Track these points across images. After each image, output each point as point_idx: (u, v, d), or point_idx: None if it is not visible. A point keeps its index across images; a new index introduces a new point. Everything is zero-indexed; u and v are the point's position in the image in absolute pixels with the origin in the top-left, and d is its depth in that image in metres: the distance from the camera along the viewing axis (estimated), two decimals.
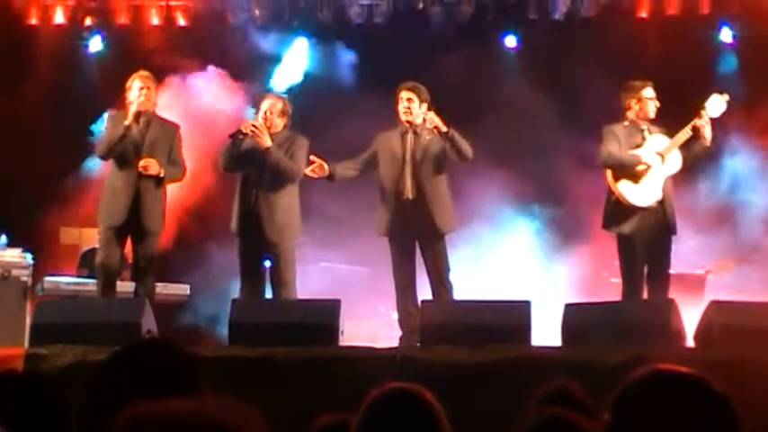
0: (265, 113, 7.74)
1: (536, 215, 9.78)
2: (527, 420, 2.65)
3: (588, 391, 3.32)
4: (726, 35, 10.41)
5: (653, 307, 7.04)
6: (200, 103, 9.72)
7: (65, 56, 10.79)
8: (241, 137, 7.64)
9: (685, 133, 7.38)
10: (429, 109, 7.69)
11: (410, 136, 7.78)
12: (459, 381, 5.89)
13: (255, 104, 8.28)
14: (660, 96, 7.52)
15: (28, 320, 7.66)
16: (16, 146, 10.03)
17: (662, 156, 7.42)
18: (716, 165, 9.23)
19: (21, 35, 10.78)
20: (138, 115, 7.57)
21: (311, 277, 8.81)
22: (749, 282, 8.38)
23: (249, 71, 10.19)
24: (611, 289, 8.19)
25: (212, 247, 8.97)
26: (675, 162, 7.44)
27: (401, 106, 7.76)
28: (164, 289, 8.59)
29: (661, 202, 7.42)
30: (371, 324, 8.81)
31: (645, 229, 7.38)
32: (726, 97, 7.44)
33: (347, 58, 10.63)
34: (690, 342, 6.50)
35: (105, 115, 7.99)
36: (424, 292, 7.69)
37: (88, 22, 10.95)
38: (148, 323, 6.59)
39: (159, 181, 7.59)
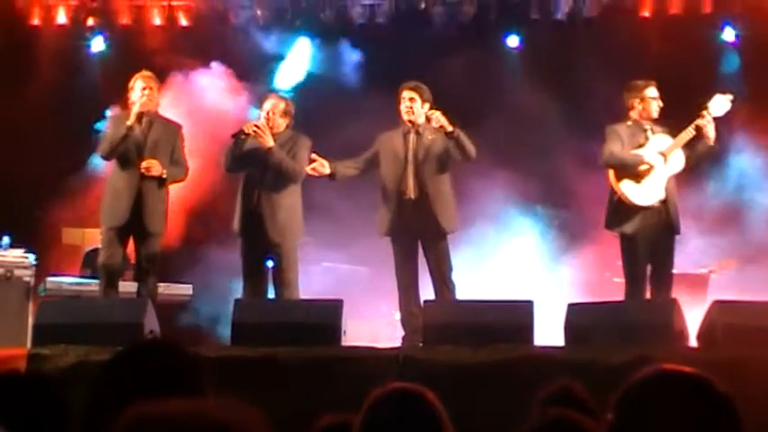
0: (268, 114, 7.74)
1: (539, 215, 9.78)
2: (530, 421, 2.65)
3: (591, 391, 3.32)
4: (728, 34, 10.41)
5: (656, 307, 7.04)
6: (203, 102, 9.72)
7: (67, 56, 10.80)
8: (243, 137, 7.64)
9: (688, 133, 7.37)
10: (431, 108, 7.68)
11: (412, 136, 7.77)
12: (462, 381, 5.89)
13: (259, 104, 8.29)
14: (663, 96, 7.52)
15: (30, 321, 7.68)
16: (19, 146, 10.04)
17: (664, 155, 7.41)
18: (720, 164, 9.22)
19: (23, 35, 10.80)
20: (140, 115, 7.58)
21: (313, 277, 8.81)
22: (753, 281, 8.36)
23: (251, 71, 10.19)
24: (614, 289, 8.18)
25: (214, 248, 8.97)
26: (678, 162, 7.43)
27: (403, 106, 7.75)
28: (166, 289, 8.59)
29: (664, 202, 7.41)
30: (374, 324, 8.81)
31: (647, 229, 7.37)
32: (729, 97, 7.43)
33: (349, 58, 10.63)
34: (693, 342, 6.49)
35: (108, 113, 7.98)
36: (426, 291, 7.69)
37: (90, 22, 10.96)
38: (151, 323, 6.59)
39: (161, 181, 7.60)
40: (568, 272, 9.25)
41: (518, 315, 6.63)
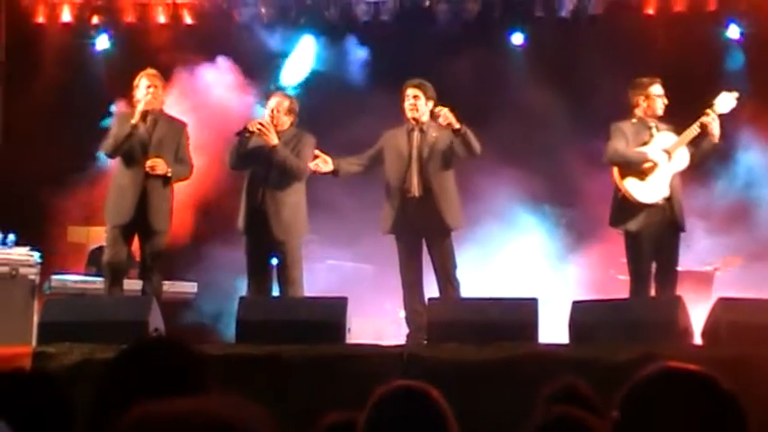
0: (272, 111, 7.75)
1: (545, 214, 9.76)
2: (535, 419, 2.65)
3: (595, 389, 3.32)
4: (733, 32, 10.38)
5: (660, 304, 7.03)
6: (208, 98, 9.72)
7: (72, 54, 10.80)
8: (248, 135, 7.64)
9: (693, 130, 7.36)
10: (435, 106, 7.68)
11: (416, 133, 7.77)
12: (466, 378, 5.89)
13: (264, 102, 8.30)
14: (668, 93, 7.51)
15: (35, 319, 7.68)
16: (23, 144, 10.05)
17: (669, 153, 7.40)
18: (726, 162, 9.20)
19: (28, 34, 10.79)
20: (144, 114, 7.58)
21: (318, 275, 8.82)
22: (758, 279, 8.35)
23: (256, 69, 10.19)
24: (618, 287, 8.18)
25: (219, 245, 8.98)
26: (683, 159, 7.42)
27: (407, 103, 7.75)
28: (171, 287, 8.60)
29: (668, 200, 7.41)
30: (378, 322, 8.82)
31: (652, 227, 7.37)
32: (735, 95, 7.43)
33: (354, 55, 10.63)
34: (697, 339, 6.49)
35: (113, 108, 7.98)
36: (430, 289, 7.69)
37: (95, 20, 10.96)
38: (155, 321, 6.60)
39: (166, 180, 7.60)
40: (575, 270, 9.24)
41: (522, 313, 6.62)
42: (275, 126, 7.66)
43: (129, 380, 2.24)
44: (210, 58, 10.01)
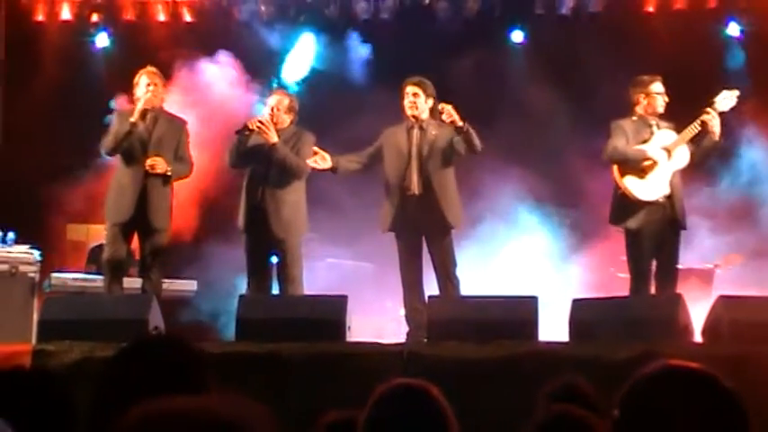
0: (272, 109, 7.75)
1: (548, 213, 9.74)
2: (535, 417, 2.65)
3: (596, 387, 3.32)
4: (733, 29, 10.38)
5: (660, 302, 7.02)
6: (209, 94, 9.70)
7: (71, 52, 10.80)
8: (247, 133, 7.64)
9: (694, 128, 7.36)
10: (435, 103, 7.67)
11: (416, 131, 7.76)
12: (467, 376, 5.88)
13: (264, 100, 8.29)
14: (668, 91, 7.51)
15: (35, 317, 7.68)
16: (23, 142, 10.05)
17: (668, 151, 7.40)
18: (726, 160, 9.19)
19: (27, 31, 10.79)
20: (144, 112, 7.58)
21: (318, 273, 8.81)
22: (758, 276, 8.35)
23: (256, 67, 10.18)
24: (619, 285, 8.17)
25: (219, 243, 8.97)
26: (683, 157, 7.42)
27: (407, 101, 7.74)
28: (171, 285, 8.60)
29: (669, 197, 7.40)
30: (378, 320, 8.81)
31: (652, 224, 7.36)
32: (735, 93, 7.42)
33: (354, 53, 10.62)
34: (698, 337, 6.49)
35: (113, 104, 7.97)
36: (430, 287, 7.69)
37: (95, 18, 10.95)
38: (155, 319, 6.60)
39: (166, 178, 7.60)
40: (578, 270, 9.22)
41: (522, 311, 6.62)
42: (275, 124, 7.66)
43: (129, 378, 2.24)
44: (210, 54, 10.00)
